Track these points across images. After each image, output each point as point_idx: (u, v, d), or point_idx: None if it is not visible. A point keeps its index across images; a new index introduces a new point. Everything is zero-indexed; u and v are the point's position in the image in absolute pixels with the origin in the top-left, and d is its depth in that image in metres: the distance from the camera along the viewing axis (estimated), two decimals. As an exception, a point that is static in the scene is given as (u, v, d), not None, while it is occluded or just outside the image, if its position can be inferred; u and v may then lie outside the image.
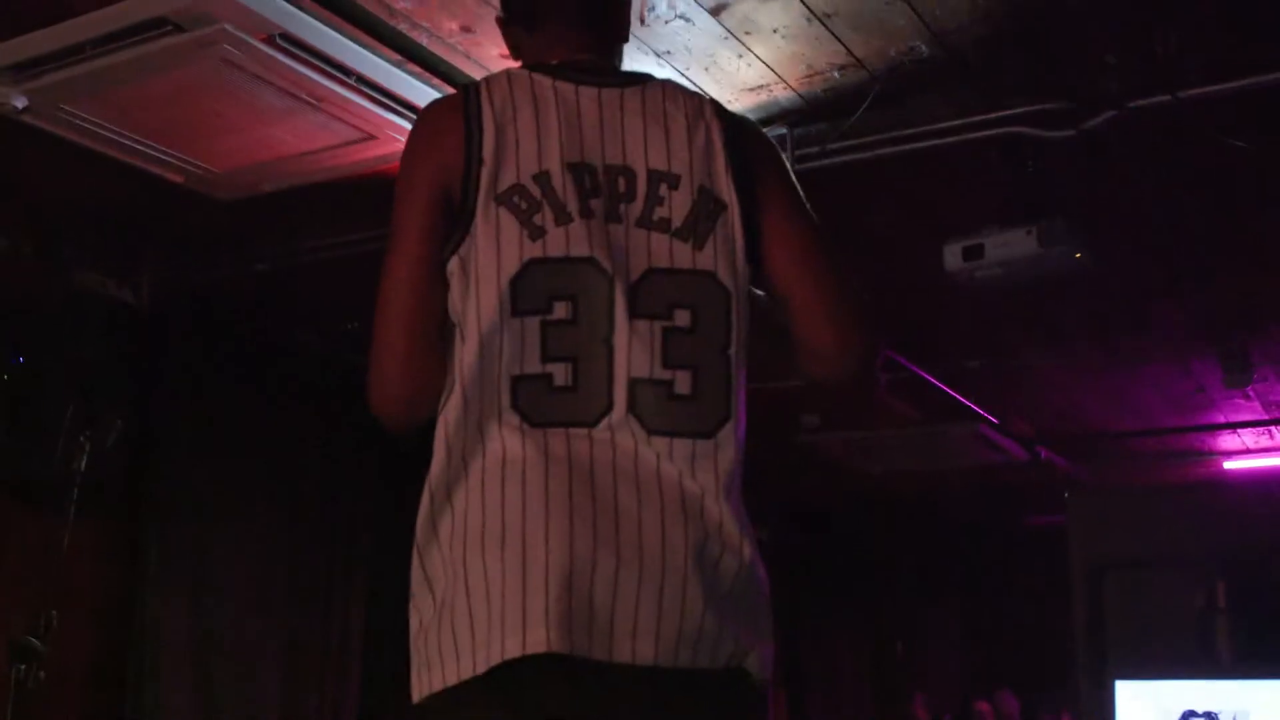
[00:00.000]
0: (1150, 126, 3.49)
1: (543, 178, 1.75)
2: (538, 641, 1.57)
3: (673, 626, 1.60)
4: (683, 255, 1.75)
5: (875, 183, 3.89)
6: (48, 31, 3.17)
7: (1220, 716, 2.36)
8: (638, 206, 1.77)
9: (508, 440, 1.68)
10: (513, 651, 1.57)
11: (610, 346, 1.70)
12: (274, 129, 3.66)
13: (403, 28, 3.23)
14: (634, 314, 1.71)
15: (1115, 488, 7.24)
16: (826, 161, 3.68)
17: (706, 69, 3.37)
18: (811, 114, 3.59)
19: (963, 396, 5.89)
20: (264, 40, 3.09)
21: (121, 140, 3.72)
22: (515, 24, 2.00)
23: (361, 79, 3.41)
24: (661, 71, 3.37)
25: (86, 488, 4.03)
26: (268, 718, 5.34)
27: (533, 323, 1.71)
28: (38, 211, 4.44)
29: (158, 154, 3.82)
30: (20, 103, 3.46)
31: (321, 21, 3.14)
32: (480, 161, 1.75)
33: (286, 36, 3.09)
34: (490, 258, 1.72)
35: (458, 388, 1.73)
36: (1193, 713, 2.37)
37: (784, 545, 8.82)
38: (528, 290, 1.71)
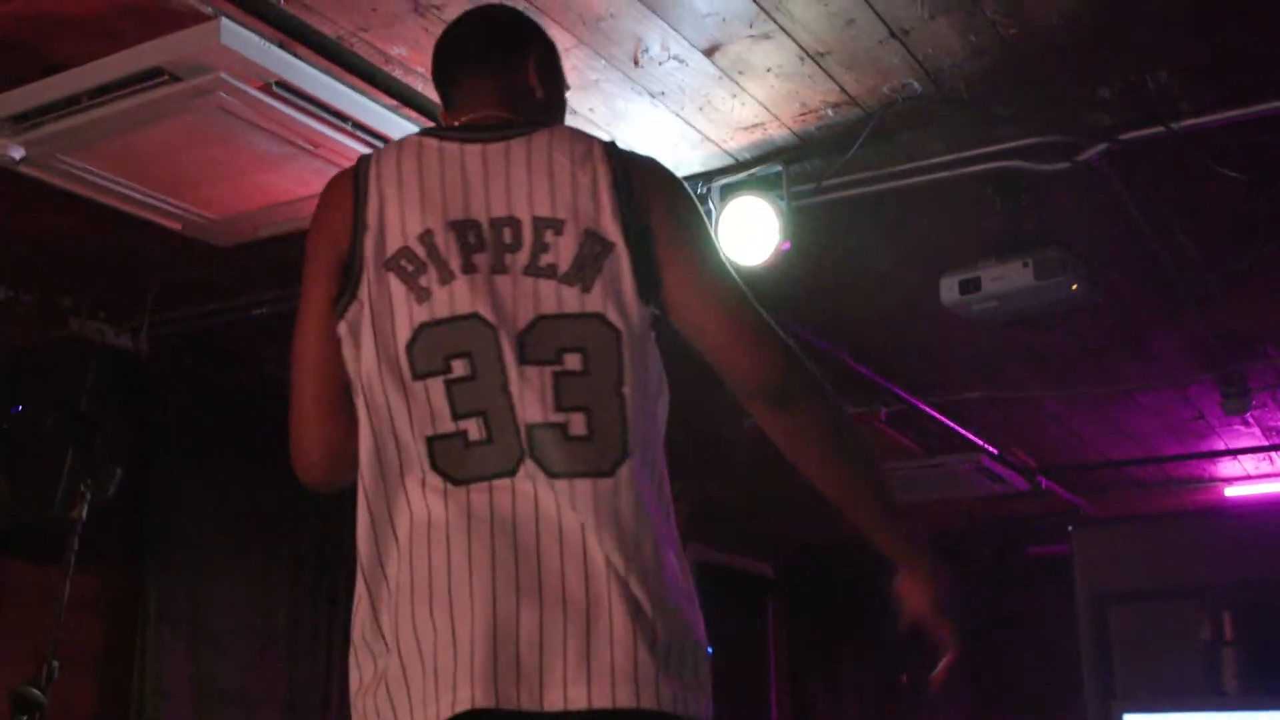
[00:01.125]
0: (1144, 158, 3.51)
1: (427, 237, 1.79)
2: (465, 699, 1.59)
3: (604, 667, 1.61)
4: (570, 299, 1.77)
5: (871, 218, 3.91)
6: (44, 83, 3.18)
7: None
8: (524, 255, 1.79)
9: (431, 502, 1.71)
10: (444, 713, 1.59)
11: (509, 395, 1.72)
12: (271, 175, 3.66)
13: (397, 74, 3.25)
14: (523, 360, 1.73)
15: (1119, 519, 7.23)
16: (822, 198, 3.70)
17: (700, 109, 3.39)
18: (806, 151, 3.60)
19: (962, 428, 5.89)
20: (260, 88, 3.10)
21: (118, 189, 3.72)
22: (437, 91, 2.09)
23: (358, 124, 3.42)
24: (656, 112, 3.39)
25: (86, 537, 4.01)
26: (270, 764, 5.31)
27: (436, 384, 1.74)
28: (36, 259, 4.45)
29: (155, 202, 3.82)
30: (17, 153, 3.46)
31: (317, 69, 3.15)
32: (365, 228, 1.81)
33: (283, 84, 3.10)
34: (384, 324, 1.77)
35: (369, 453, 1.78)
36: None
37: (788, 582, 8.81)
38: (423, 353, 1.76)
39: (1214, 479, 6.85)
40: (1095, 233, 4.00)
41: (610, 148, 1.88)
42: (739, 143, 3.58)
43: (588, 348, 1.76)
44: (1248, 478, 6.78)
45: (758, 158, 3.64)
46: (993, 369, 5.25)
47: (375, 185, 1.83)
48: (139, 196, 3.78)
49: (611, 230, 1.80)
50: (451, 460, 1.72)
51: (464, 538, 1.68)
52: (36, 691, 2.74)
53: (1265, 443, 6.22)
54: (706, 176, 3.72)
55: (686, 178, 3.73)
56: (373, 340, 1.78)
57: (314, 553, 5.75)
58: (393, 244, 1.80)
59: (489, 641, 1.61)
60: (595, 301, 1.77)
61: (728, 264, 1.91)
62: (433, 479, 1.72)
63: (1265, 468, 6.60)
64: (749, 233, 3.61)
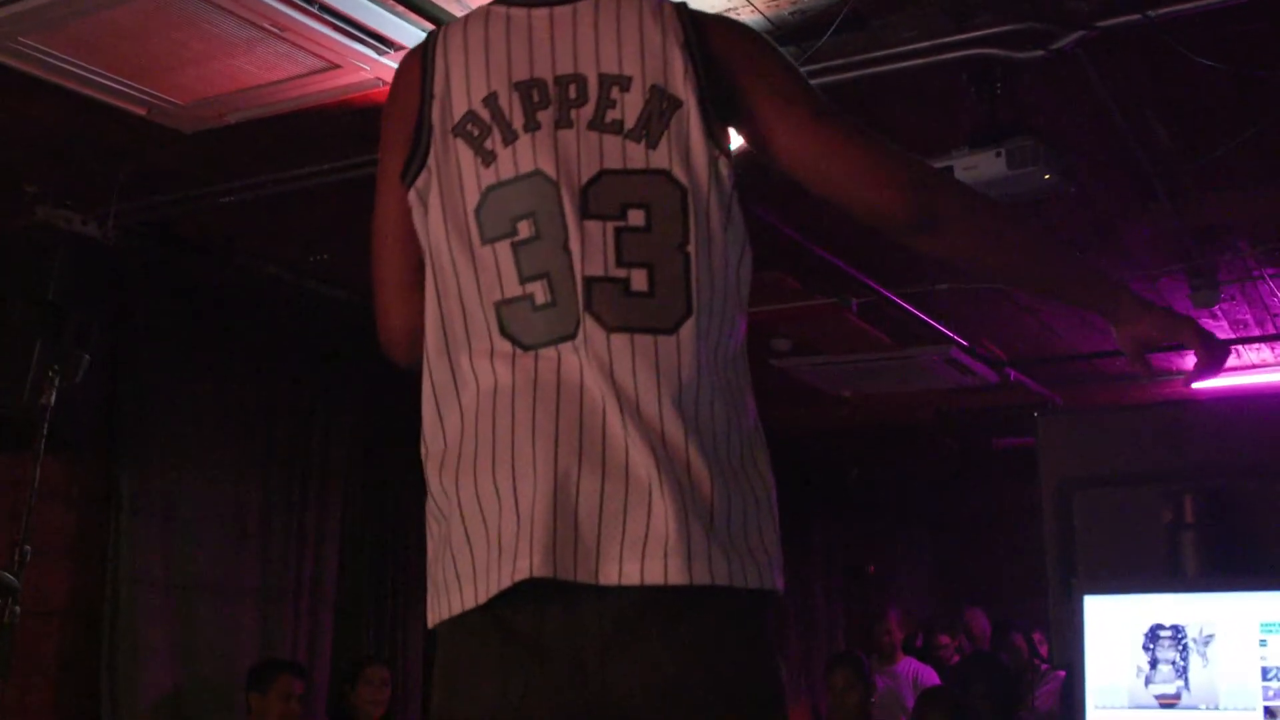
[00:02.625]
0: (1120, 46, 3.48)
1: (491, 100, 1.78)
2: (524, 569, 1.58)
3: (658, 541, 1.60)
4: (636, 155, 1.74)
5: (843, 106, 3.86)
6: (3, -38, 3.12)
7: (1187, 629, 2.39)
8: (589, 110, 1.77)
9: (499, 369, 1.70)
10: (505, 581, 1.60)
11: (569, 252, 1.71)
12: (237, 60, 3.61)
13: (366, -46, 3.19)
14: (585, 215, 1.71)
15: (1085, 408, 7.28)
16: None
17: (673, -8, 3.34)
18: (779, 37, 3.56)
19: (933, 320, 5.90)
20: (225, -31, 3.04)
21: (82, 73, 3.67)
22: None
23: (324, 7, 3.37)
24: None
25: (57, 426, 4.01)
26: (245, 653, 5.36)
27: (504, 247, 1.73)
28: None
29: (120, 87, 3.77)
30: (-24, 36, 3.41)
31: (282, -51, 3.09)
32: (432, 97, 1.80)
33: (247, -36, 3.05)
34: (453, 190, 1.77)
35: (434, 321, 1.77)
36: (1160, 626, 2.39)
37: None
38: (491, 217, 1.75)
39: (1181, 371, 6.88)
40: (1069, 123, 3.98)
41: (681, 7, 1.84)
42: (711, 28, 3.53)
43: (651, 204, 1.73)
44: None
45: (730, 44, 3.59)
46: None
47: (442, 56, 1.83)
48: (103, 81, 3.73)
49: (681, 88, 1.77)
50: (520, 325, 1.71)
51: (529, 403, 1.66)
52: (9, 575, 2.74)
53: (1233, 335, 6.26)
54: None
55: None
56: (440, 207, 1.78)
57: (287, 446, 5.76)
58: (458, 110, 1.79)
59: (549, 510, 1.60)
60: (661, 158, 1.74)
61: (829, 103, 1.84)
62: (501, 345, 1.71)
63: (1232, 361, 6.64)
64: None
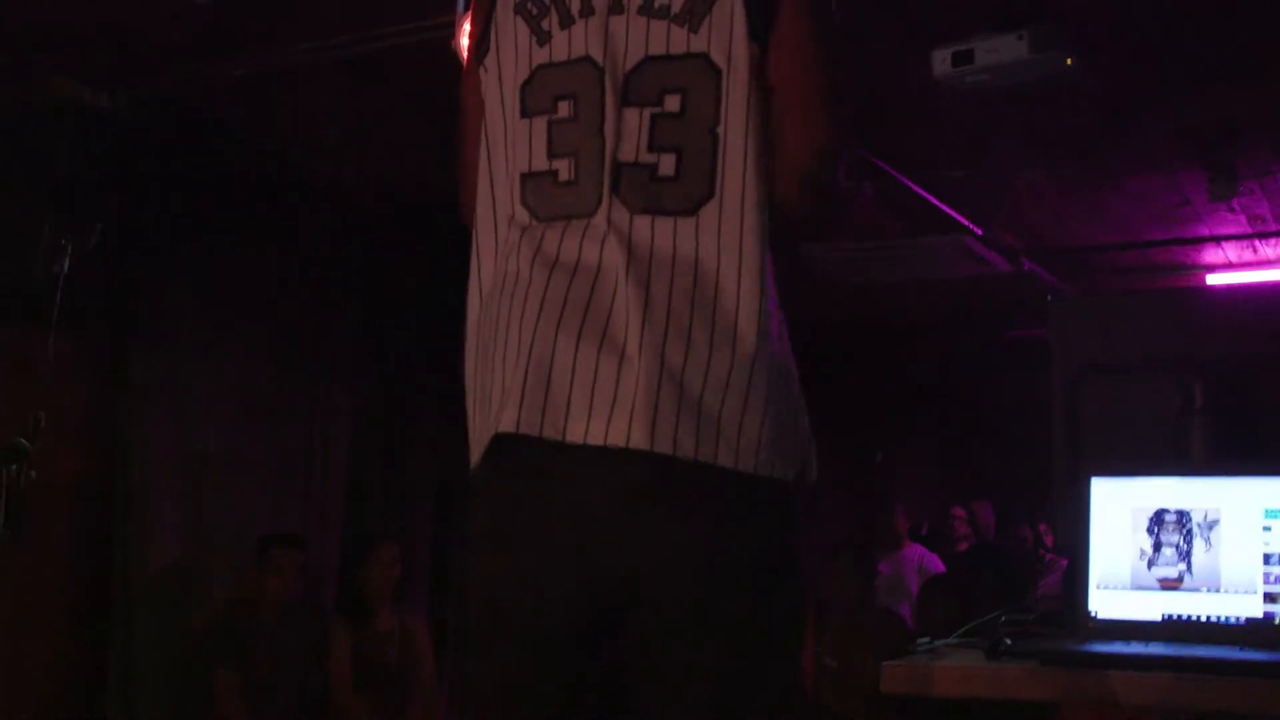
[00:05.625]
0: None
1: None
2: (507, 422, 1.70)
3: (625, 404, 1.66)
4: (679, 40, 1.81)
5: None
6: None
7: (1192, 515, 2.40)
8: None
9: (513, 238, 1.81)
10: (490, 435, 1.73)
11: (603, 136, 1.79)
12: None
13: None
14: (625, 102, 1.80)
15: (1098, 293, 7.22)
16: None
17: None
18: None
19: (946, 205, 5.86)
20: None
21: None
22: None
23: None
24: None
25: (69, 298, 4.01)
26: (254, 531, 5.41)
27: (540, 123, 1.83)
28: (7, 21, 4.33)
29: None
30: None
31: None
32: None
33: None
34: (509, 63, 1.87)
35: (483, 188, 1.88)
36: (1165, 510, 2.40)
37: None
38: (535, 93, 1.84)
39: (1196, 266, 6.86)
40: (1091, 10, 3.91)
41: None
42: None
43: (688, 88, 1.80)
44: (1230, 265, 6.78)
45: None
46: (979, 148, 5.20)
47: None
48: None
49: None
50: (540, 197, 1.81)
51: (541, 283, 1.75)
52: (23, 440, 2.77)
53: (1250, 230, 6.21)
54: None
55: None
56: (497, 79, 1.88)
57: (297, 324, 5.77)
58: None
59: (531, 373, 1.71)
60: (701, 41, 1.80)
61: (831, 43, 1.87)
62: (520, 213, 1.82)
63: (1248, 256, 6.60)
64: None
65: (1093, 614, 2.32)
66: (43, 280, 4.09)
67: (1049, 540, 7.70)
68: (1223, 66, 4.32)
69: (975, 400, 10.52)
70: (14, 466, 2.69)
